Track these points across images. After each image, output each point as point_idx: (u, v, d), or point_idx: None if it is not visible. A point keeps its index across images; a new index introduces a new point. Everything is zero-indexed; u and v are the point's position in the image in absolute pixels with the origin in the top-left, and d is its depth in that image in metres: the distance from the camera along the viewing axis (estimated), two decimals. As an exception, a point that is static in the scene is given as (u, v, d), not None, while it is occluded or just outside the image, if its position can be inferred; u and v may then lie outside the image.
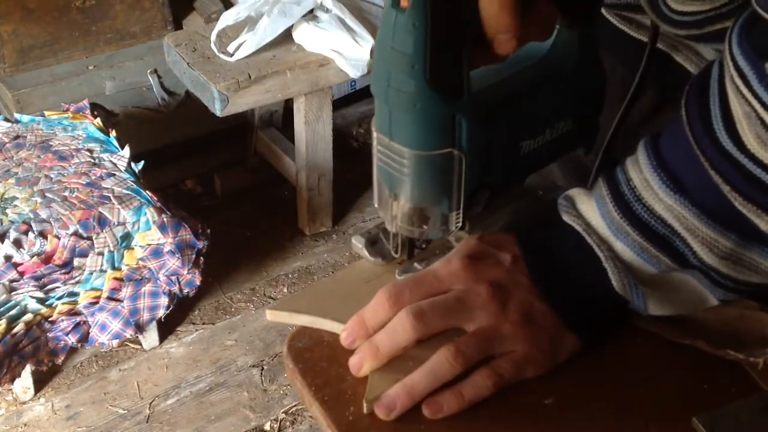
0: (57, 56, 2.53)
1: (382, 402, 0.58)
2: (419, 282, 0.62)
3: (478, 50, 0.54)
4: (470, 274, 0.61)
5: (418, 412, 0.58)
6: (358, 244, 0.69)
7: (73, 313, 1.83)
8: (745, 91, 0.52)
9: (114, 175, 1.97)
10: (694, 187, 0.56)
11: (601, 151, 0.73)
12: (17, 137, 2.11)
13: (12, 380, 1.80)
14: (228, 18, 2.09)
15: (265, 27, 2.06)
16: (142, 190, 1.93)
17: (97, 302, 1.85)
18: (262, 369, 2.03)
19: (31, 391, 1.93)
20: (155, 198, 1.92)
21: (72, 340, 1.82)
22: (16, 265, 1.81)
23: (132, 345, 2.06)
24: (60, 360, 1.85)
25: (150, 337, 2.04)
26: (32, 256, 1.83)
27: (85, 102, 2.25)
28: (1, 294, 1.78)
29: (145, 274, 1.89)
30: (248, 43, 2.05)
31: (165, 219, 1.88)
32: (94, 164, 2.02)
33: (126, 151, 2.04)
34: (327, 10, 2.11)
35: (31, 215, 1.88)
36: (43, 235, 1.85)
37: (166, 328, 2.09)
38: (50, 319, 1.80)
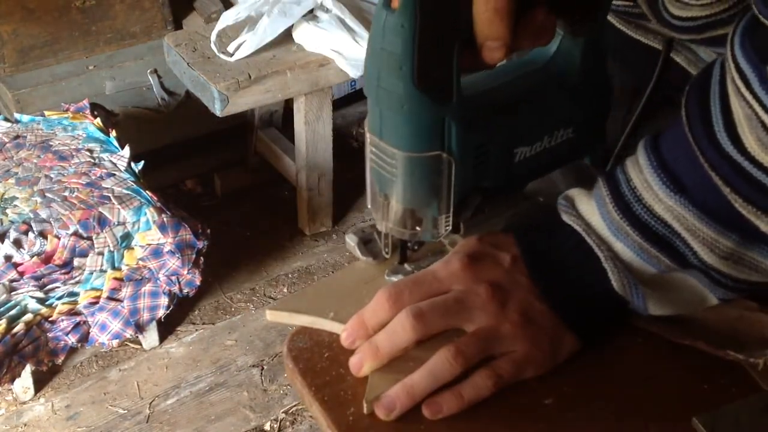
0: (57, 56, 2.52)
1: (382, 402, 0.58)
2: (419, 282, 0.62)
3: (467, 55, 0.53)
4: (470, 274, 0.61)
5: (418, 413, 0.58)
6: (350, 242, 0.69)
7: (73, 313, 1.83)
8: (746, 93, 0.52)
9: (114, 175, 1.97)
10: (695, 188, 0.56)
11: (612, 158, 0.72)
12: (17, 137, 2.11)
13: (12, 380, 1.80)
14: (228, 18, 2.09)
15: (265, 27, 2.06)
16: (142, 190, 1.93)
17: (97, 302, 1.85)
18: (262, 369, 2.03)
19: (31, 391, 1.92)
20: (155, 198, 1.92)
21: (72, 340, 1.82)
22: (16, 265, 1.81)
23: (132, 345, 2.06)
24: (60, 360, 1.85)
25: (150, 337, 2.04)
26: (32, 256, 1.82)
27: (85, 102, 2.24)
28: (1, 294, 1.78)
29: (145, 274, 1.89)
30: (248, 43, 2.05)
31: (165, 219, 1.88)
32: (94, 164, 2.02)
33: (126, 151, 2.03)
34: (327, 10, 2.11)
35: (31, 215, 1.88)
36: (43, 235, 1.85)
37: (166, 328, 2.08)
38: (50, 319, 1.80)
